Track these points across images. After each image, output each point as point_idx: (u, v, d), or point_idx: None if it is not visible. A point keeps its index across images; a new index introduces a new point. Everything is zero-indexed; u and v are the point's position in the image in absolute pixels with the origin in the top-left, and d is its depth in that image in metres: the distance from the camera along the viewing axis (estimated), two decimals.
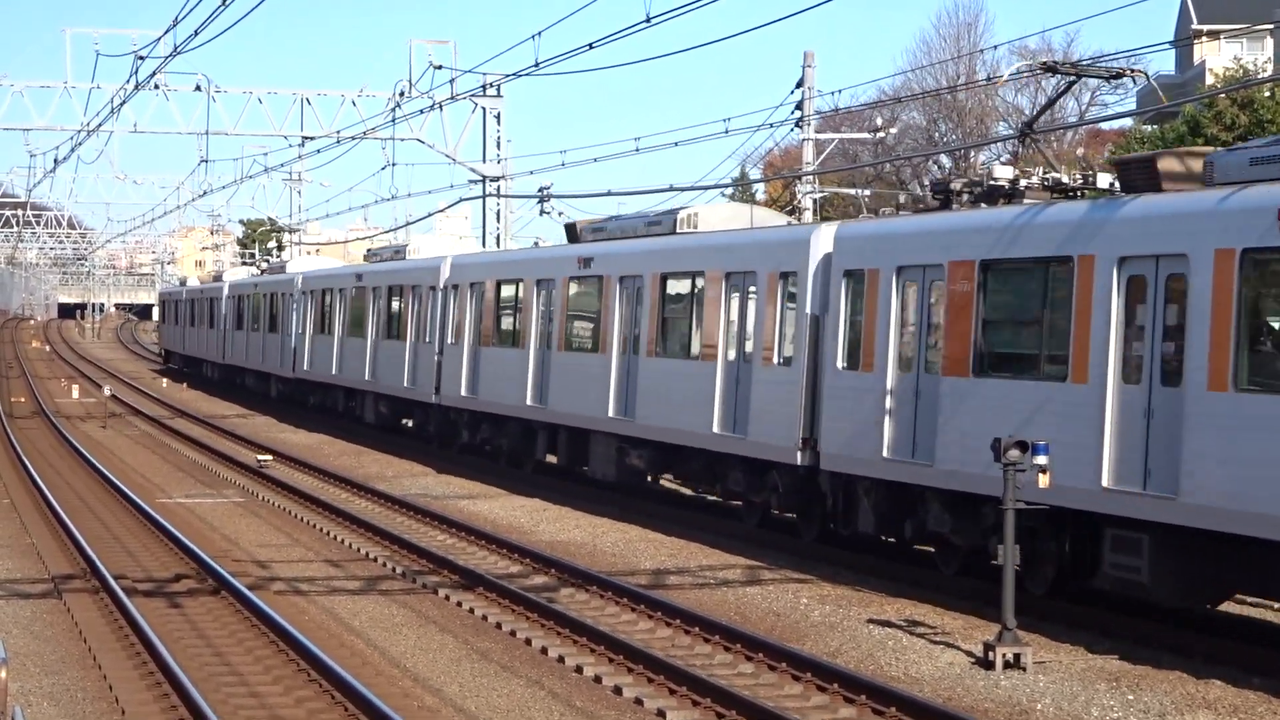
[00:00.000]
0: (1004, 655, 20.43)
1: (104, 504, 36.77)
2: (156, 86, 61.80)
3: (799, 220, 39.80)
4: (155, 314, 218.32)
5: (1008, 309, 24.74)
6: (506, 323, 41.70)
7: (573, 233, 39.91)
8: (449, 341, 44.53)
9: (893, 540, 28.01)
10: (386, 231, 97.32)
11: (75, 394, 75.21)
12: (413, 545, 29.72)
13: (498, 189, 63.22)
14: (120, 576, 25.79)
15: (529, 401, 39.18)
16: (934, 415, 25.15)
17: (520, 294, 40.55)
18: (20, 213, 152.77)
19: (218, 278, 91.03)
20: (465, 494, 38.88)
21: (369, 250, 60.63)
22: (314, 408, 61.45)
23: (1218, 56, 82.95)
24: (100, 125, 63.20)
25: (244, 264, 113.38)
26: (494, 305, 42.37)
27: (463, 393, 43.37)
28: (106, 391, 66.48)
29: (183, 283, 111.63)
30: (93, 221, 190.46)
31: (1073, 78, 26.76)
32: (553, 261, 39.31)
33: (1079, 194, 24.84)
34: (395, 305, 50.55)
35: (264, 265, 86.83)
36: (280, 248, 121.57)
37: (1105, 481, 21.79)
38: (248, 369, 73.96)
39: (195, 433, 55.53)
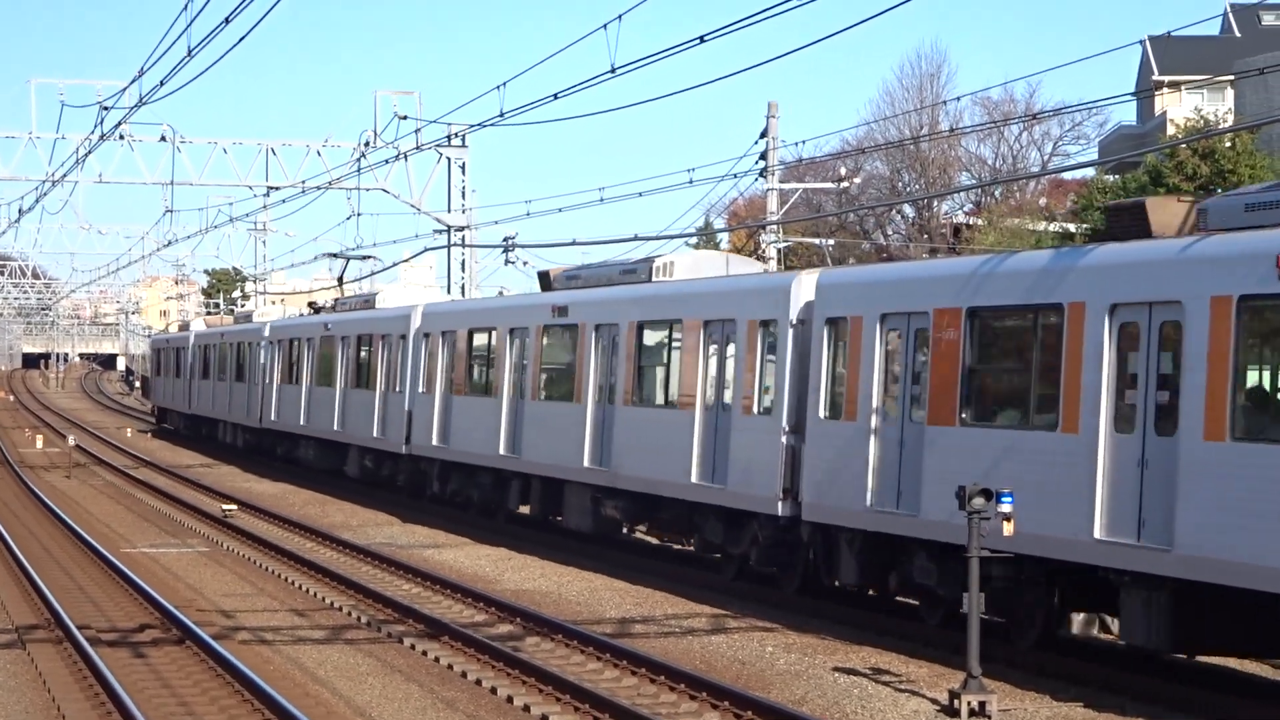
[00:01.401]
0: (969, 703, 20.46)
1: (68, 554, 36.64)
2: (122, 137, 62.04)
3: None
4: (121, 364, 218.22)
5: None
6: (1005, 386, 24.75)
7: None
8: (822, 414, 27.18)
9: None
10: (353, 281, 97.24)
11: (39, 444, 74.94)
12: (378, 594, 29.67)
13: (463, 239, 63.37)
14: (84, 626, 25.70)
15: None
16: None
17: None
18: None
19: (246, 317, 73.76)
20: (431, 543, 38.83)
21: (557, 272, 39.68)
22: (436, 498, 45.09)
23: (1179, 107, 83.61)
24: (65, 175, 63.45)
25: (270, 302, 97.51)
26: (885, 359, 26.13)
27: (870, 501, 25.75)
28: (71, 441, 66.25)
29: (184, 326, 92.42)
30: (57, 271, 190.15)
31: None
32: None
33: None
34: (658, 353, 33.29)
35: (315, 299, 66.32)
36: (245, 297, 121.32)
37: None
38: (307, 437, 56.13)
39: (160, 482, 55.37)
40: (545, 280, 39.80)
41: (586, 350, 35.13)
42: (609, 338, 34.47)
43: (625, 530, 36.88)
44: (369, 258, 63.28)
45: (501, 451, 38.87)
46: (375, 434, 47.74)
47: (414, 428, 44.42)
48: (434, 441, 43.07)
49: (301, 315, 64.66)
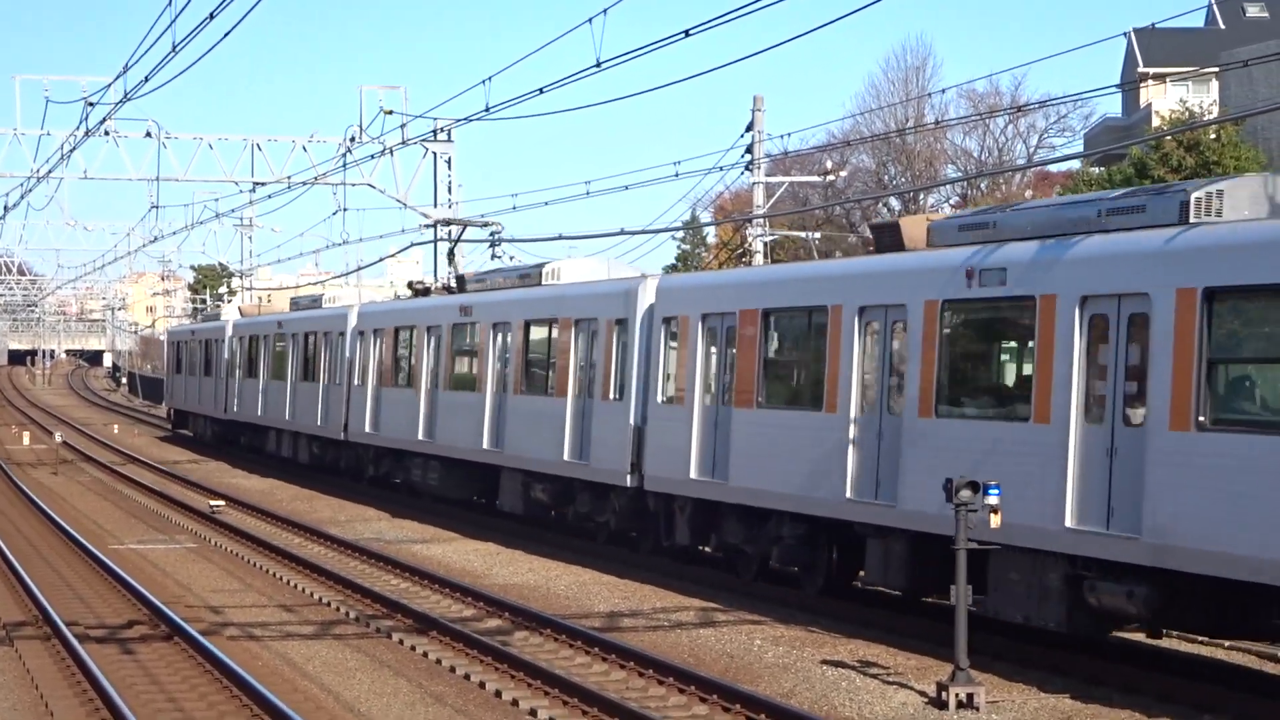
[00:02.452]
0: (957, 695, 20.49)
1: (56, 550, 36.62)
2: (107, 133, 61.97)
3: None
4: (107, 360, 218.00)
5: None
6: None
7: None
8: None
9: None
10: (338, 276, 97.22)
11: (26, 440, 74.87)
12: (366, 590, 29.68)
13: (449, 233, 63.33)
14: (73, 623, 25.70)
15: None
16: None
17: None
18: None
19: (313, 302, 59.20)
20: (419, 538, 38.83)
21: (934, 220, 26.37)
22: (674, 552, 33.02)
23: (1164, 99, 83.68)
24: (50, 172, 63.42)
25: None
26: None
27: None
28: (58, 438, 66.18)
29: (211, 315, 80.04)
30: (43, 268, 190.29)
31: None
32: None
33: None
34: None
35: (419, 280, 52.43)
36: (232, 292, 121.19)
37: None
38: (430, 456, 43.31)
39: (147, 479, 55.31)
40: (893, 235, 26.65)
41: (1061, 340, 22.08)
42: (1113, 316, 21.46)
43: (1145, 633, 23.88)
44: (490, 225, 51.20)
45: (849, 495, 25.72)
46: (566, 456, 35.01)
47: (647, 450, 32.00)
48: (692, 473, 30.17)
49: (396, 298, 52.36)
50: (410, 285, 50.71)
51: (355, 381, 48.60)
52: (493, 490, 40.29)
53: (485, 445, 38.99)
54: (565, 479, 35.63)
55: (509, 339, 38.53)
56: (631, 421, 32.47)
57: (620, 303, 33.50)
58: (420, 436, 43.31)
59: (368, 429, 47.50)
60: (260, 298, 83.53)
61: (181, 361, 77.44)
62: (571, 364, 35.18)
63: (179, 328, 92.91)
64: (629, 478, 32.49)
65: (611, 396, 33.46)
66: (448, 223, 49.69)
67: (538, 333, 37.50)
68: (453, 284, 45.95)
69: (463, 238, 61.52)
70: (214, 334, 69.46)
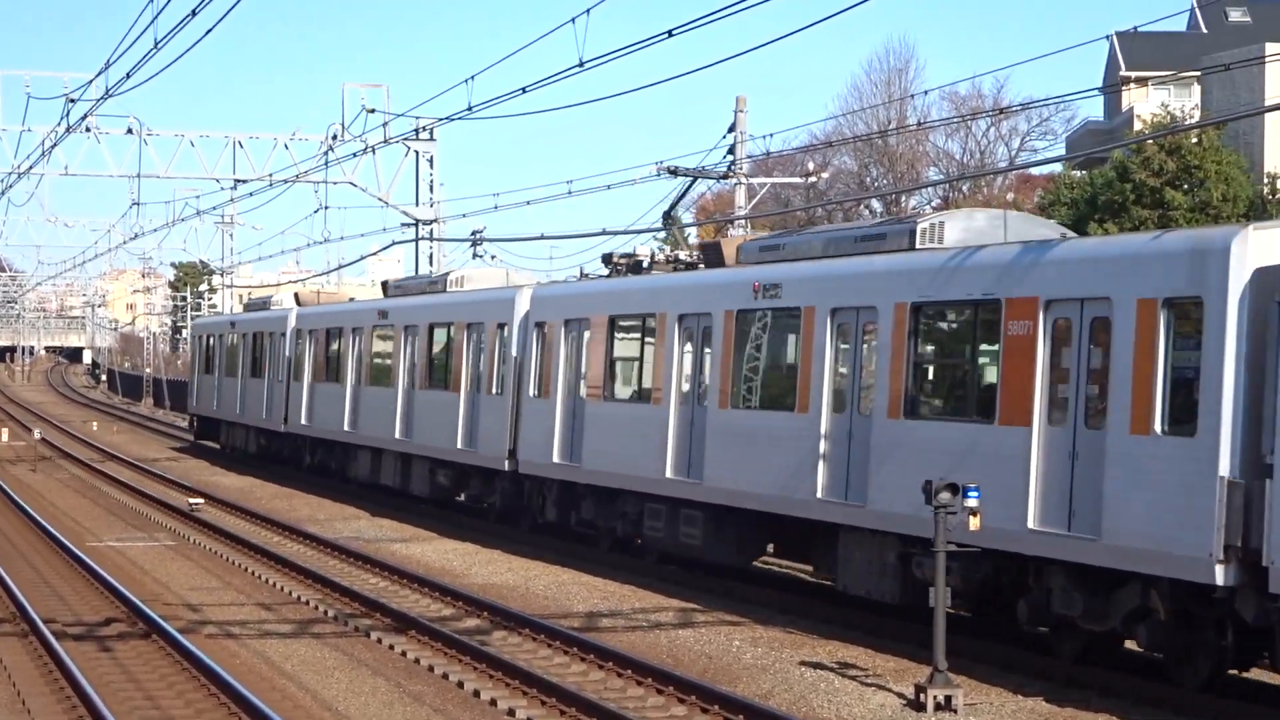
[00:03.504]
0: (935, 697, 20.51)
1: (34, 548, 36.54)
2: (88, 129, 61.92)
3: None
4: (87, 357, 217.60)
5: None
6: None
7: None
8: None
9: None
10: (321, 274, 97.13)
11: (5, 437, 74.68)
12: (345, 588, 29.64)
13: (430, 232, 63.29)
14: (50, 620, 25.65)
15: None
16: None
17: None
18: None
19: (428, 284, 45.68)
20: (398, 537, 38.79)
21: None
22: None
23: (1146, 103, 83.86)
24: (31, 168, 63.30)
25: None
26: None
27: None
28: (36, 435, 66.02)
29: (257, 303, 63.31)
30: (23, 264, 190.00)
31: None
32: None
33: None
34: None
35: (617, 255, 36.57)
36: (213, 290, 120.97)
37: None
38: (681, 503, 30.30)
39: (126, 476, 55.19)
40: None
41: None
42: None
43: None
44: (725, 176, 40.62)
45: None
46: (1031, 523, 21.87)
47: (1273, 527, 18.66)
48: None
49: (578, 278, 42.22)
50: (608, 260, 36.50)
51: (530, 392, 35.88)
52: (776, 551, 30.66)
53: (820, 494, 26.23)
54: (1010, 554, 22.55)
55: (874, 334, 25.42)
56: (1223, 471, 19.29)
57: (1190, 267, 20.08)
58: (669, 474, 30.38)
59: (556, 458, 34.57)
60: (319, 286, 79.30)
61: (213, 360, 63.73)
62: (1039, 370, 22.08)
63: (210, 319, 79.15)
64: (1223, 571, 19.20)
65: (1158, 429, 20.27)
66: (675, 172, 38.45)
67: (939, 321, 25.03)
68: (686, 257, 34.45)
69: (445, 238, 61.53)
70: (268, 326, 56.22)
